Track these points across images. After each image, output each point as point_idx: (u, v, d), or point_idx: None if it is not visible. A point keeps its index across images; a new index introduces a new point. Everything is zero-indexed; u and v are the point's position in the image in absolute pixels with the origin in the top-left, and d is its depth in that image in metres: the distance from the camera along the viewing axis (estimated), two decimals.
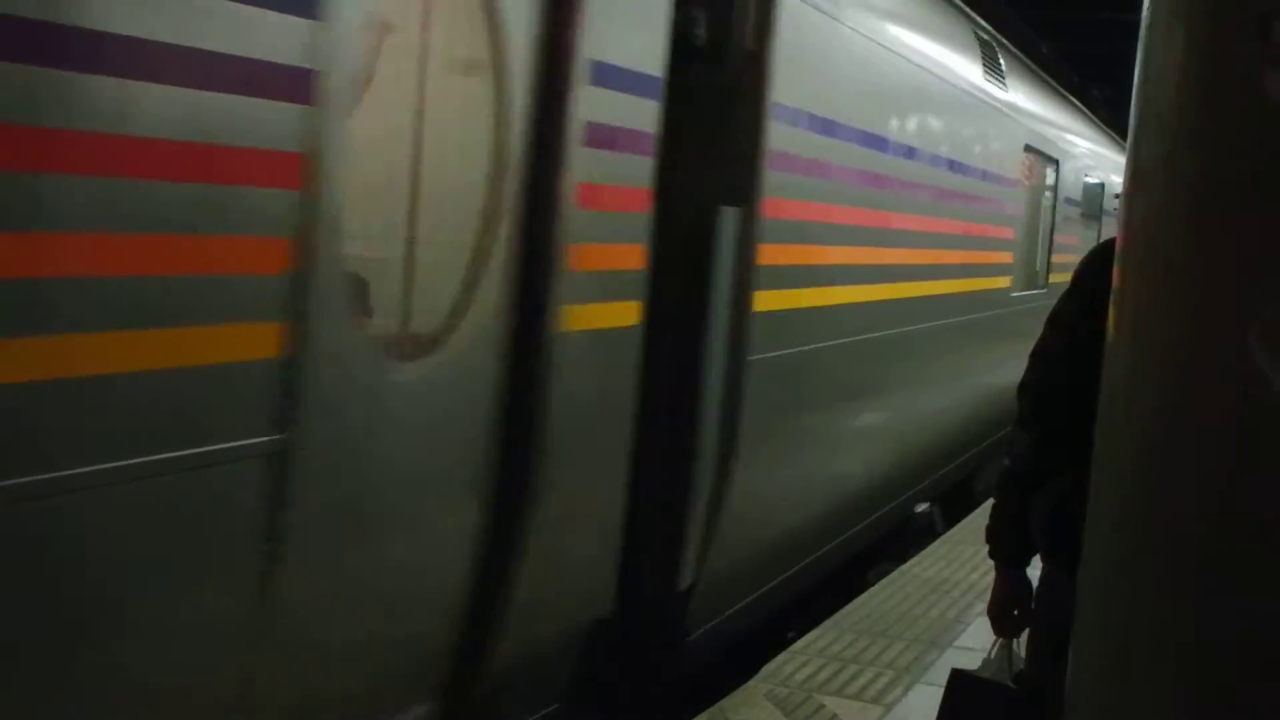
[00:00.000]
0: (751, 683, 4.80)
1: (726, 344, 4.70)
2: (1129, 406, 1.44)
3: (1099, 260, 2.47)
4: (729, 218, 4.61)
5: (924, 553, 6.99)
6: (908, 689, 4.77)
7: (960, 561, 6.70)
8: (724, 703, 4.62)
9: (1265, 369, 0.98)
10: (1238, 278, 1.24)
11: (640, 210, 3.98)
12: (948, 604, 5.91)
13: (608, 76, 3.70)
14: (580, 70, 3.55)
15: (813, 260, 5.47)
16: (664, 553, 4.61)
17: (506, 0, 3.29)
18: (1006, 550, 2.81)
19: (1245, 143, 1.18)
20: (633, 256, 3.98)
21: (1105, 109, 16.11)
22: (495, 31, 3.30)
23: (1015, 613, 2.83)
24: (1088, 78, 19.18)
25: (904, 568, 6.63)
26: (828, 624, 5.53)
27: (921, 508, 9.18)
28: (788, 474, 5.63)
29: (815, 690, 4.71)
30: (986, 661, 2.86)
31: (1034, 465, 2.66)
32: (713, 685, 4.94)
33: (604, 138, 3.71)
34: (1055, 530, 2.50)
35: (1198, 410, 1.27)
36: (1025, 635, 2.85)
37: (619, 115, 3.79)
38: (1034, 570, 2.80)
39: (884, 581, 6.33)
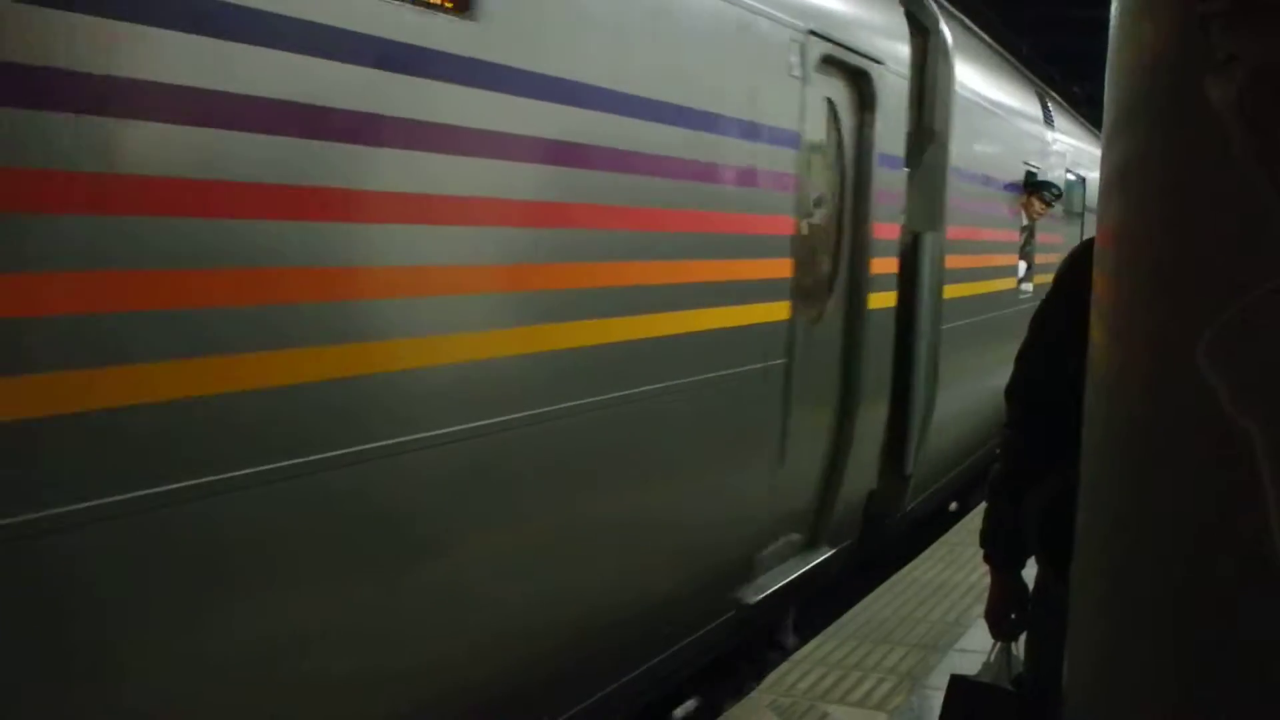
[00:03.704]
0: (755, 693, 4.79)
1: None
2: (1114, 407, 1.44)
3: (1080, 261, 2.47)
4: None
5: (922, 556, 6.99)
6: (910, 694, 4.76)
7: (959, 564, 6.70)
8: (729, 713, 4.61)
9: (1212, 383, 0.98)
10: (1215, 276, 1.24)
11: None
12: (947, 607, 5.90)
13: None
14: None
15: None
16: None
17: None
18: (1001, 553, 2.81)
19: (1214, 142, 1.18)
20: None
21: (1087, 106, 16.14)
22: None
23: (1012, 615, 2.82)
24: (1069, 76, 19.23)
25: (902, 572, 6.63)
26: (829, 631, 5.53)
27: None
28: None
29: (818, 699, 4.70)
30: (986, 665, 2.85)
31: (1024, 467, 2.66)
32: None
33: None
34: (1047, 531, 2.50)
35: (1181, 409, 1.27)
36: (1024, 638, 2.84)
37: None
38: (1030, 572, 2.79)
39: (883, 586, 6.32)
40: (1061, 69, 18.90)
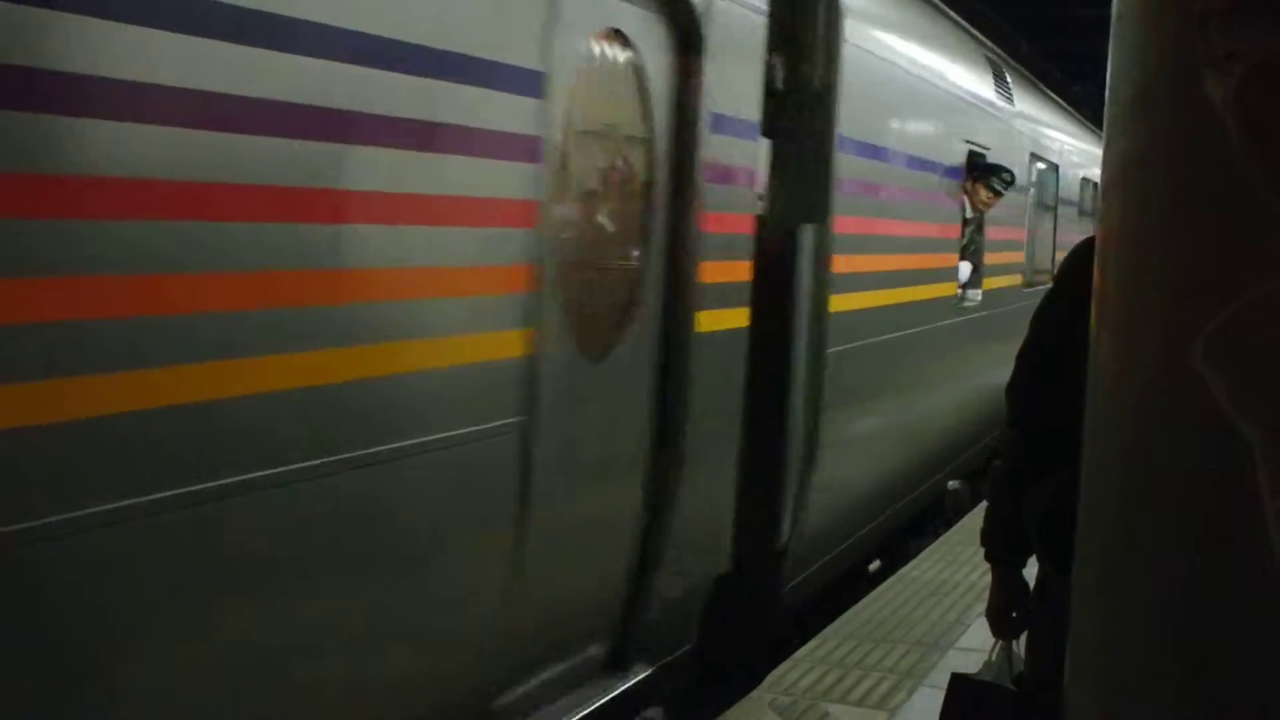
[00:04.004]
0: (755, 692, 4.79)
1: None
2: (1114, 405, 1.44)
3: (1081, 259, 2.47)
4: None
5: (922, 555, 6.99)
6: (910, 692, 4.76)
7: (959, 563, 6.69)
8: (729, 714, 4.61)
9: (1207, 379, 0.98)
10: (1216, 275, 1.24)
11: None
12: (947, 606, 5.90)
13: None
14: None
15: None
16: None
17: None
18: (1002, 551, 2.81)
19: (1214, 141, 1.18)
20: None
21: (1086, 105, 16.13)
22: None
23: (1013, 614, 2.82)
24: (1070, 75, 19.24)
25: (902, 571, 6.63)
26: (829, 630, 5.53)
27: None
28: None
29: (819, 697, 4.71)
30: (987, 664, 2.85)
31: (1025, 465, 2.66)
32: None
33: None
34: (1049, 530, 2.50)
35: (1182, 408, 1.27)
36: (1025, 636, 2.84)
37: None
38: (1030, 570, 2.79)
39: (883, 586, 6.32)
40: (1062, 68, 18.90)
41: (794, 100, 5.29)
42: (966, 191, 7.92)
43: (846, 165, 5.63)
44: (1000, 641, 2.86)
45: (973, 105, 8.28)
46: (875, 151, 6.18)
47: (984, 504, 2.99)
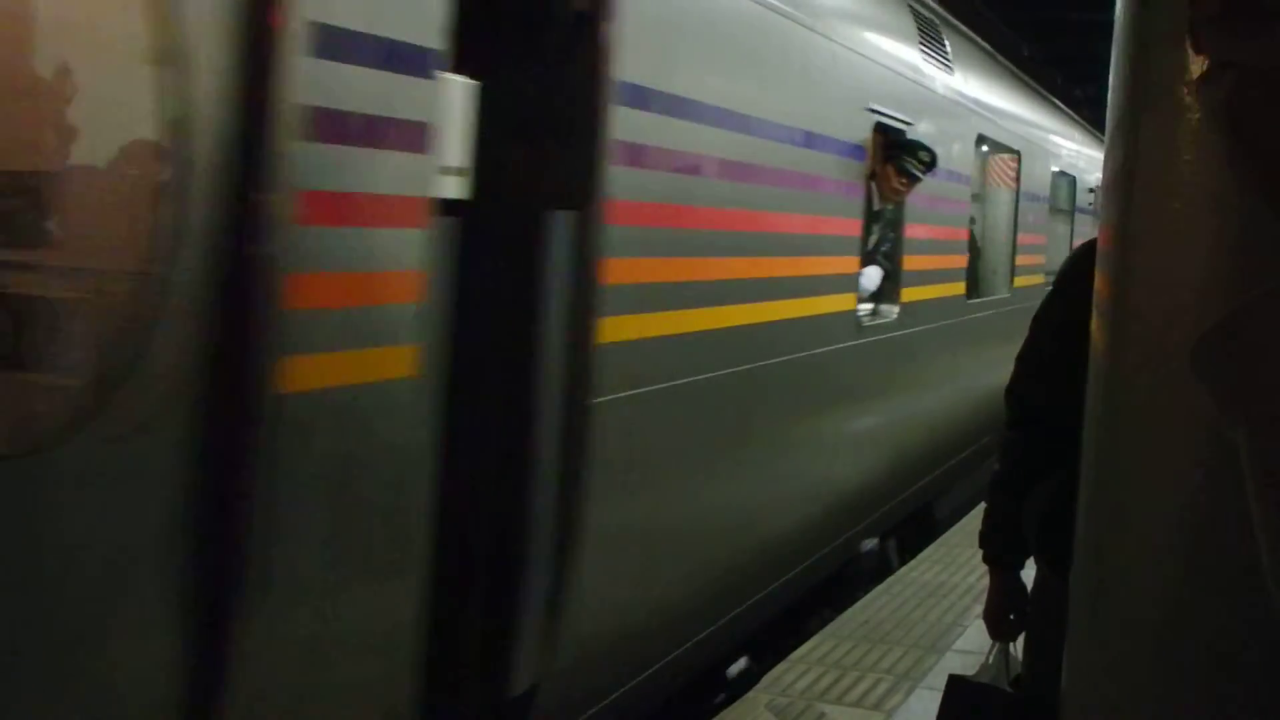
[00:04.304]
0: (752, 693, 4.79)
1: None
2: (1113, 408, 1.44)
3: (1082, 261, 2.47)
4: None
5: (919, 557, 6.99)
6: (908, 694, 4.76)
7: (956, 564, 6.70)
8: (725, 714, 4.62)
9: (1197, 381, 0.99)
10: (1216, 275, 1.24)
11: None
12: (945, 607, 5.91)
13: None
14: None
15: None
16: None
17: None
18: (1000, 553, 2.82)
19: (1213, 144, 1.19)
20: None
21: (1087, 108, 16.14)
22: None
23: (1011, 616, 2.83)
24: (1070, 79, 19.27)
25: (900, 572, 6.63)
26: (826, 631, 5.53)
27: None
28: None
29: (816, 699, 4.71)
30: (984, 666, 2.86)
31: (1024, 467, 2.66)
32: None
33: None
34: (1047, 532, 2.50)
35: (1182, 408, 1.27)
36: (1022, 638, 2.85)
37: None
38: (1028, 572, 2.80)
39: (881, 587, 6.32)
40: (1063, 71, 18.93)
41: (529, 24, 3.53)
42: (871, 175, 6.05)
43: (632, 126, 3.78)
44: (998, 644, 2.87)
45: (880, 65, 6.17)
46: (687, 108, 4.19)
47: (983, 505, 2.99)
